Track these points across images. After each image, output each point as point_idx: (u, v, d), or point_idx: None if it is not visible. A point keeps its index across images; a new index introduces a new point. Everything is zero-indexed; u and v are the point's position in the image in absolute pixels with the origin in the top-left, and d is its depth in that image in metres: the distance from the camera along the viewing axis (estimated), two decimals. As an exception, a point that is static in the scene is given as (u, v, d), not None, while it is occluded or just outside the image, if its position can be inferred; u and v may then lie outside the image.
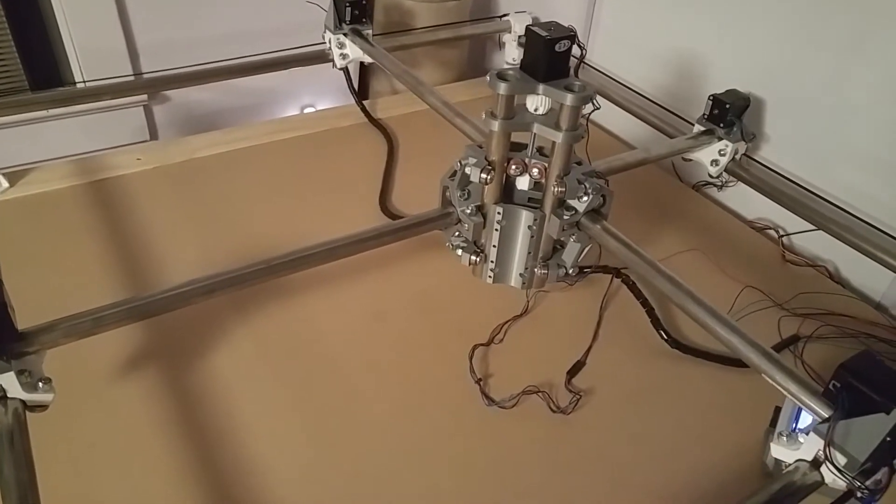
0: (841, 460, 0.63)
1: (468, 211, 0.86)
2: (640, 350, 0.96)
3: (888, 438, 0.61)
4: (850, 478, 0.63)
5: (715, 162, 1.16)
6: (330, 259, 0.85)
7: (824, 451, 0.64)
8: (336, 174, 1.27)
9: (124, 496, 0.74)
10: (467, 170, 0.85)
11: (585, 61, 1.45)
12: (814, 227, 1.08)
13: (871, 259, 0.99)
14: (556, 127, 0.79)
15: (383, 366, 0.92)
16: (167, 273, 1.01)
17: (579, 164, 0.86)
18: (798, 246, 1.19)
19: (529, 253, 0.88)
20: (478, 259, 0.88)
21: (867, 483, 0.63)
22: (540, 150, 0.85)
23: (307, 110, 1.80)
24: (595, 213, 0.86)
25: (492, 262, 0.89)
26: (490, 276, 0.90)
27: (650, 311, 0.97)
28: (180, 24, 1.55)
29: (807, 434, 0.68)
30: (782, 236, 1.20)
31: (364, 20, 1.34)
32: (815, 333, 0.99)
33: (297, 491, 0.76)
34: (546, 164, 0.83)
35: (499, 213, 0.85)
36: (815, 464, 0.67)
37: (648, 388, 0.92)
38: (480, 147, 0.86)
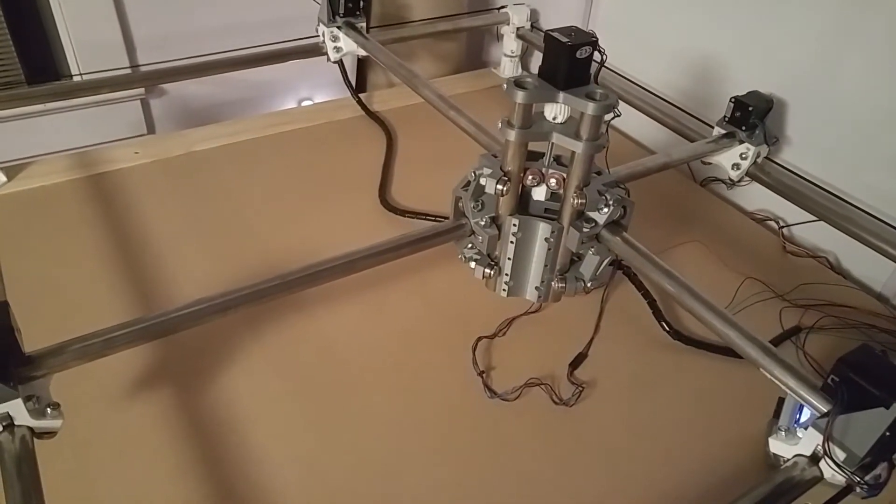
0: (840, 455, 0.63)
1: (482, 222, 0.83)
2: (641, 342, 0.96)
3: (887, 433, 0.60)
4: (849, 473, 0.63)
5: (736, 166, 1.13)
6: (347, 273, 0.82)
7: (823, 445, 0.63)
8: (335, 167, 1.27)
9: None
10: (482, 180, 0.81)
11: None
12: (814, 218, 1.07)
13: (872, 249, 0.98)
14: (577, 136, 0.76)
15: (385, 358, 0.91)
16: (167, 267, 1.01)
17: (599, 174, 0.83)
18: (798, 237, 1.18)
19: (546, 266, 0.85)
20: (492, 272, 0.85)
21: (866, 478, 0.62)
22: (557, 160, 0.82)
23: (305, 103, 1.79)
24: (615, 224, 0.83)
25: (506, 274, 0.86)
26: (504, 290, 0.87)
27: (652, 303, 0.96)
28: (177, 16, 1.54)
29: (805, 429, 0.67)
30: (783, 227, 1.19)
31: (358, 13, 1.33)
32: (816, 324, 0.98)
33: (300, 484, 0.76)
34: (564, 175, 0.80)
35: (514, 224, 0.82)
36: (814, 459, 0.66)
37: (650, 380, 0.91)
38: (495, 156, 0.82)
